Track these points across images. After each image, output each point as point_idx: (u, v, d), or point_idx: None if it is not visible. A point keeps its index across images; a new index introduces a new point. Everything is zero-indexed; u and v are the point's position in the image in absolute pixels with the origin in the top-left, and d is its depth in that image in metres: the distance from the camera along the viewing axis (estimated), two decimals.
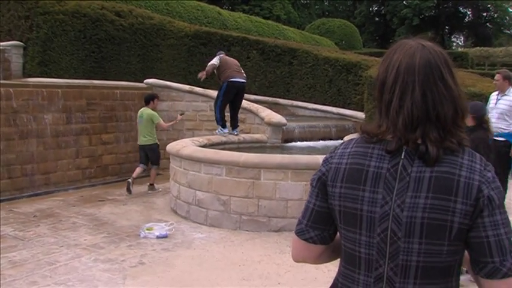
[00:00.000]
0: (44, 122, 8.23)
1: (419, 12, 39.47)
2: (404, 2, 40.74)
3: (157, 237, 5.63)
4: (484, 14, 44.32)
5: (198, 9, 15.78)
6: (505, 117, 6.27)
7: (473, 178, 1.22)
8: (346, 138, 6.87)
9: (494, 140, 6.31)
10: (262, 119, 8.97)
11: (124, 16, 11.71)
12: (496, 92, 6.51)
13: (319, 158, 5.65)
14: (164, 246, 5.37)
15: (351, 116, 10.45)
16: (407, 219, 1.23)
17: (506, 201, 6.38)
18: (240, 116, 8.73)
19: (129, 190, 7.95)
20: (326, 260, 1.48)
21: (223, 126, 8.22)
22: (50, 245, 5.34)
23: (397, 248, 1.24)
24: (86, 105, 8.98)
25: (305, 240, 1.41)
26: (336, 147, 1.41)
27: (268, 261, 4.95)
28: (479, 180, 1.22)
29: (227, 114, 8.39)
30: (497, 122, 6.31)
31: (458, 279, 1.32)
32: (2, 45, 10.04)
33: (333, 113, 10.89)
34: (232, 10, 27.44)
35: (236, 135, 8.39)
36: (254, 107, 9.36)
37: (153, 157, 8.32)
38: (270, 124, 8.74)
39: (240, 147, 8.03)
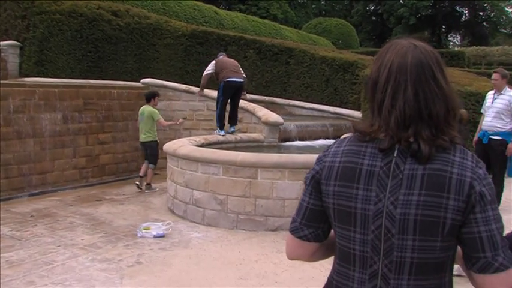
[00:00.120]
0: (40, 121, 8.22)
1: (416, 12, 39.54)
2: (401, 1, 40.83)
3: (155, 236, 5.63)
4: (481, 13, 44.45)
5: (194, 9, 15.77)
6: (502, 116, 6.27)
7: (465, 175, 1.23)
8: (343, 137, 6.88)
9: (491, 139, 6.34)
10: (259, 118, 8.98)
11: (121, 16, 11.70)
12: (493, 91, 6.52)
13: (316, 158, 5.65)
14: (161, 245, 5.37)
15: (348, 115, 10.47)
16: (400, 216, 1.24)
17: (503, 200, 6.43)
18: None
19: (139, 188, 8.28)
20: (320, 257, 1.50)
21: (221, 128, 8.30)
22: (47, 245, 5.34)
23: (391, 245, 1.26)
24: (82, 105, 8.98)
25: (299, 238, 1.42)
26: (329, 146, 1.43)
27: (265, 260, 4.96)
28: (471, 177, 1.24)
29: (227, 114, 8.49)
30: (493, 121, 6.31)
31: (452, 275, 1.34)
32: None
33: (330, 112, 10.91)
34: (229, 9, 27.44)
35: (232, 132, 8.49)
36: (251, 106, 9.37)
37: (151, 155, 8.36)
38: (267, 123, 8.75)
39: (237, 146, 8.04)
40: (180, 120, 8.87)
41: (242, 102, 8.90)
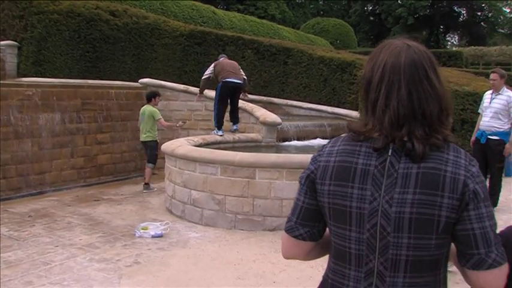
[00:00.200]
0: (38, 122, 8.21)
1: (414, 12, 39.59)
2: (399, 1, 40.87)
3: (153, 236, 5.63)
4: (479, 13, 44.50)
5: (192, 9, 15.78)
6: (500, 116, 6.28)
7: (458, 173, 1.25)
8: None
9: (489, 139, 6.35)
10: (257, 118, 8.98)
11: (118, 16, 11.70)
12: (490, 91, 6.53)
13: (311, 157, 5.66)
14: (159, 245, 5.38)
15: (346, 115, 10.46)
16: (395, 214, 1.25)
17: (501, 199, 6.44)
18: None
19: (147, 188, 8.34)
20: (316, 256, 1.51)
21: (219, 128, 8.31)
22: (45, 245, 5.34)
23: (386, 243, 1.27)
24: (80, 105, 8.97)
25: (295, 237, 1.44)
26: (324, 146, 1.44)
27: (263, 260, 4.96)
28: (465, 175, 1.25)
29: (227, 114, 8.52)
30: (491, 121, 6.32)
31: (446, 271, 1.35)
32: None
33: (328, 112, 10.91)
34: (227, 9, 27.44)
35: (235, 130, 8.59)
36: (249, 106, 9.37)
37: (150, 154, 8.38)
38: (265, 123, 8.76)
39: (235, 146, 8.05)
40: (180, 123, 8.90)
41: (240, 102, 8.90)
